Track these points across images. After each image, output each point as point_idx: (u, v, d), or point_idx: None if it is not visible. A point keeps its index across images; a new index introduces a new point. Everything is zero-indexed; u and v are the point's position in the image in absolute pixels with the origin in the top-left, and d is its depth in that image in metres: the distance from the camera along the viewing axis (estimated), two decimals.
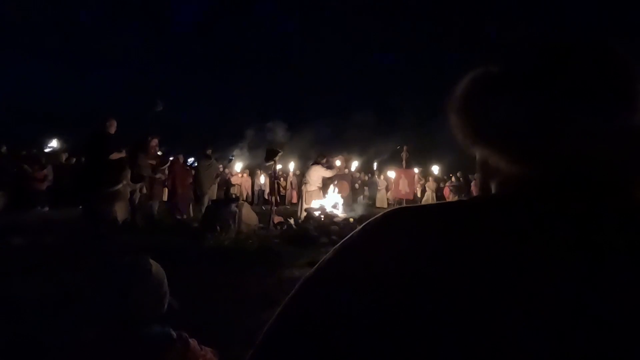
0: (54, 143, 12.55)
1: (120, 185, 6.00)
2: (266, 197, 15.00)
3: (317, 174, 9.06)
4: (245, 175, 15.73)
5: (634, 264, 0.38)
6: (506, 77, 0.47)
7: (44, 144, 12.62)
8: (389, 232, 0.45)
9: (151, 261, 1.32)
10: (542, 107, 0.43)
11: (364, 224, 0.48)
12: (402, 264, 0.41)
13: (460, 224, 0.42)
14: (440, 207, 0.46)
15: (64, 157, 12.37)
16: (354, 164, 12.20)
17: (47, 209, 10.06)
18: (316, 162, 9.24)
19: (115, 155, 5.97)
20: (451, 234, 0.41)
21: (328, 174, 9.15)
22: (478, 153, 0.52)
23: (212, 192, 10.35)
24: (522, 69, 0.47)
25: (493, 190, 0.51)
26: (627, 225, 0.40)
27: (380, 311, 0.40)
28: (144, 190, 7.99)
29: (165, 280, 1.33)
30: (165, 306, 1.32)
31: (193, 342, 1.28)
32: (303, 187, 9.26)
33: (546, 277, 0.38)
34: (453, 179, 17.26)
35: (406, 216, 0.46)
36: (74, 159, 11.94)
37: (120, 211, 6.04)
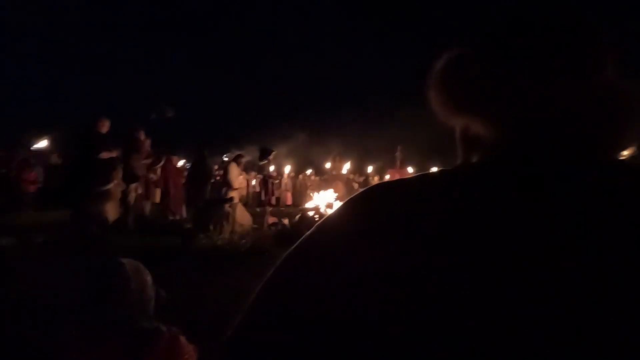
0: (41, 143, 12.24)
1: (110, 185, 5.91)
2: (262, 198, 14.89)
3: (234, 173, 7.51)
4: (241, 177, 15.58)
5: (615, 219, 0.39)
6: (480, 50, 0.50)
7: (30, 144, 12.33)
8: (371, 204, 0.45)
9: (129, 264, 1.29)
10: (511, 73, 0.45)
11: (345, 201, 0.47)
12: (387, 235, 0.40)
13: (445, 191, 0.42)
14: (421, 177, 0.47)
15: (53, 158, 12.17)
16: (346, 166, 12.15)
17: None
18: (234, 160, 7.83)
19: (105, 154, 5.89)
20: (434, 201, 0.41)
21: (241, 178, 7.39)
22: (458, 124, 0.53)
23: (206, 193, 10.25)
24: (493, 40, 0.50)
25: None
26: (605, 182, 0.41)
27: (360, 285, 0.39)
28: (139, 191, 7.85)
29: (149, 282, 1.31)
30: (152, 307, 1.30)
31: (182, 337, 1.26)
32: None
33: (533, 237, 0.38)
34: None
35: (388, 188, 0.46)
36: (62, 159, 11.74)
37: (111, 211, 5.94)
